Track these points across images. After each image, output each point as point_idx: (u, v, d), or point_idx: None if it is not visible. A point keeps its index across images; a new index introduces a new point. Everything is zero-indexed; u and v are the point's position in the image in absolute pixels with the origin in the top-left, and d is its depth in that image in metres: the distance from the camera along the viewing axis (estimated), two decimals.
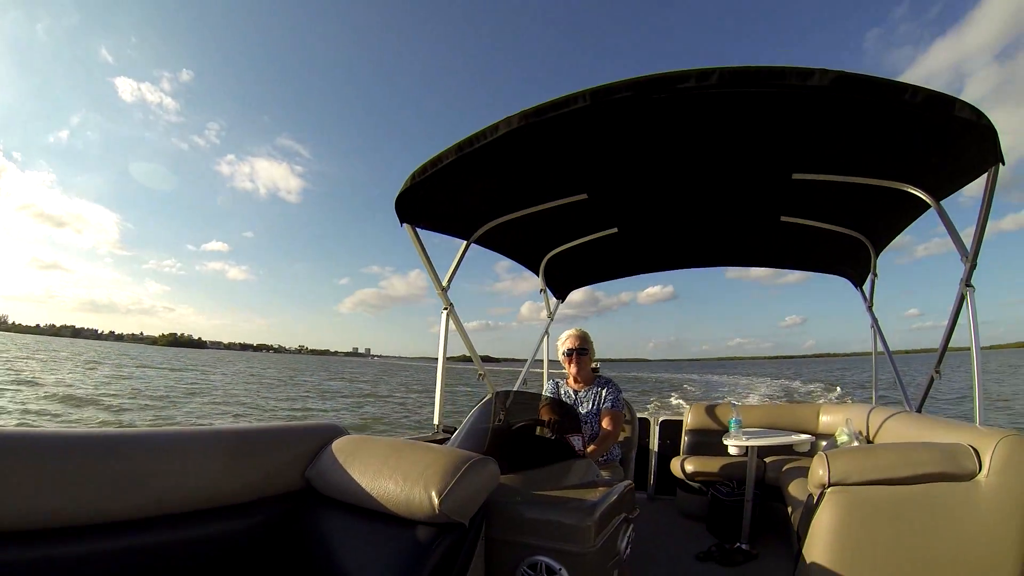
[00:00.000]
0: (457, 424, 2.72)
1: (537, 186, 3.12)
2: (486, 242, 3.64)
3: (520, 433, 2.67)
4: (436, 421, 3.21)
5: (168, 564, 1.63)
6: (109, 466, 1.56)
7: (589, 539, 1.88)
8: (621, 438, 3.54)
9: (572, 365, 3.35)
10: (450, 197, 2.98)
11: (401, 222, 2.99)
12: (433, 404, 3.36)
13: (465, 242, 3.42)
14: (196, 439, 1.84)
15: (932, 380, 3.21)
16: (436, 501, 1.67)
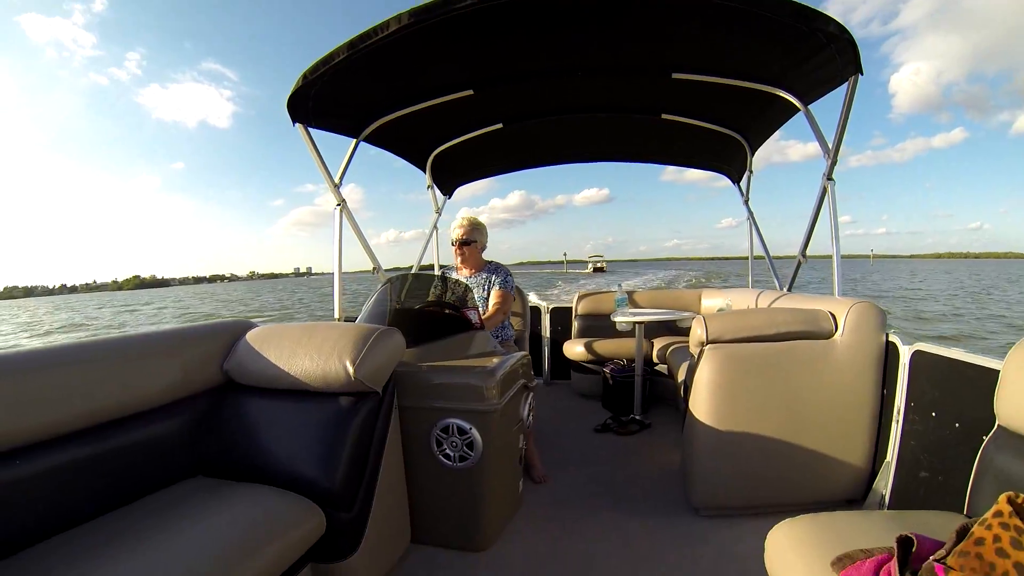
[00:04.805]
0: (356, 315, 2.65)
1: (425, 83, 2.98)
2: (375, 140, 3.43)
3: (419, 310, 2.65)
4: (336, 315, 3.07)
5: (101, 474, 1.56)
6: (28, 385, 1.44)
7: (494, 398, 1.96)
8: (516, 326, 3.41)
9: (458, 255, 3.18)
10: (341, 96, 2.79)
11: (293, 122, 2.79)
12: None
13: (354, 140, 3.21)
14: (111, 347, 1.73)
15: (799, 264, 3.32)
16: (351, 369, 1.69)
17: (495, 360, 2.17)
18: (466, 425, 1.94)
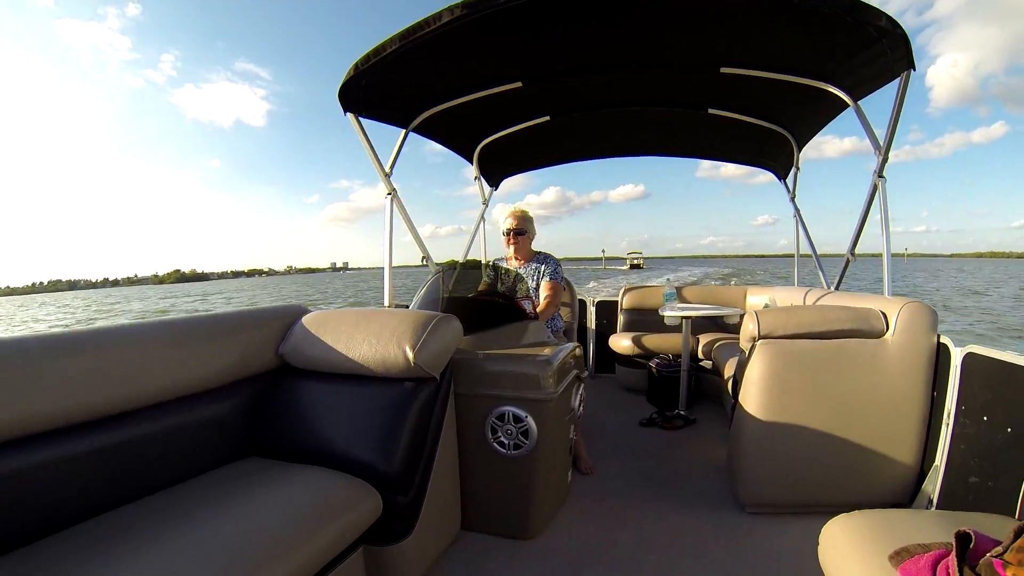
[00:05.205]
0: (408, 303, 2.70)
1: (474, 75, 2.99)
2: (424, 130, 3.46)
3: (472, 299, 2.68)
4: (387, 303, 3.11)
5: (158, 451, 1.60)
6: (95, 363, 1.48)
7: (551, 386, 1.97)
8: (565, 317, 3.45)
9: (511, 245, 3.21)
10: (391, 86, 2.83)
11: (345, 111, 2.85)
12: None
13: (404, 130, 3.25)
14: (171, 328, 1.77)
15: (848, 262, 3.27)
16: (411, 355, 1.71)
17: (551, 350, 2.18)
18: (522, 413, 1.96)
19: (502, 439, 2.00)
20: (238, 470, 1.69)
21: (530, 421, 1.95)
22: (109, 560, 1.14)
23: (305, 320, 2.05)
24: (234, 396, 1.87)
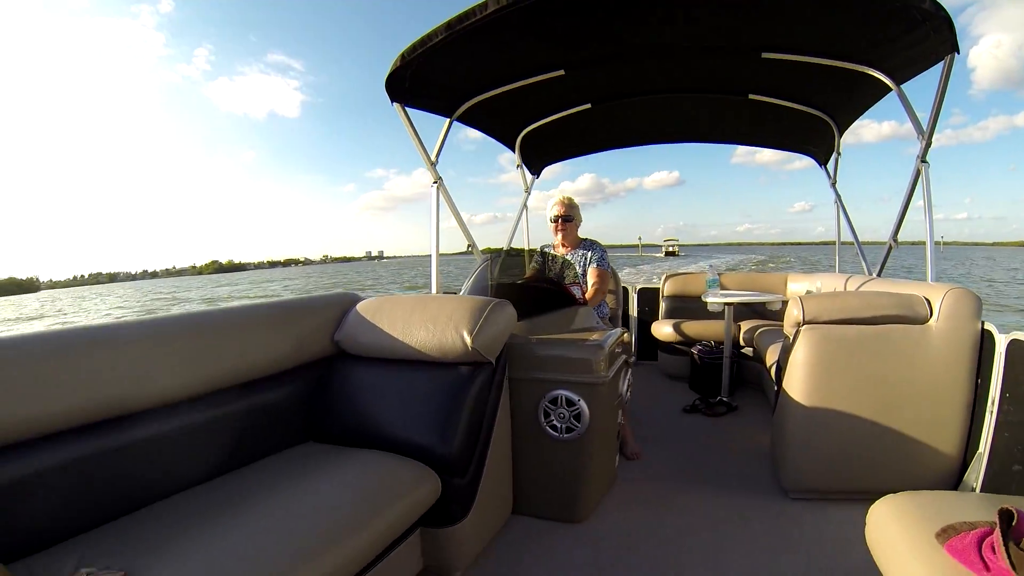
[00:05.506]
0: (455, 291, 2.75)
1: (518, 63, 3.00)
2: (467, 119, 3.51)
3: (523, 285, 2.70)
4: (434, 290, 3.19)
5: (217, 438, 1.64)
6: (158, 350, 1.54)
7: (603, 370, 1.99)
8: (611, 304, 3.52)
9: (558, 232, 3.26)
10: (437, 76, 2.87)
11: (392, 101, 2.92)
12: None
13: (448, 119, 3.30)
14: (228, 317, 1.82)
15: (890, 248, 3.25)
16: (468, 339, 1.73)
17: (600, 334, 2.21)
18: (575, 397, 1.98)
19: (555, 423, 2.03)
20: (297, 454, 1.74)
21: (582, 404, 1.98)
22: (175, 539, 1.18)
23: (360, 307, 2.09)
24: (291, 383, 1.91)
